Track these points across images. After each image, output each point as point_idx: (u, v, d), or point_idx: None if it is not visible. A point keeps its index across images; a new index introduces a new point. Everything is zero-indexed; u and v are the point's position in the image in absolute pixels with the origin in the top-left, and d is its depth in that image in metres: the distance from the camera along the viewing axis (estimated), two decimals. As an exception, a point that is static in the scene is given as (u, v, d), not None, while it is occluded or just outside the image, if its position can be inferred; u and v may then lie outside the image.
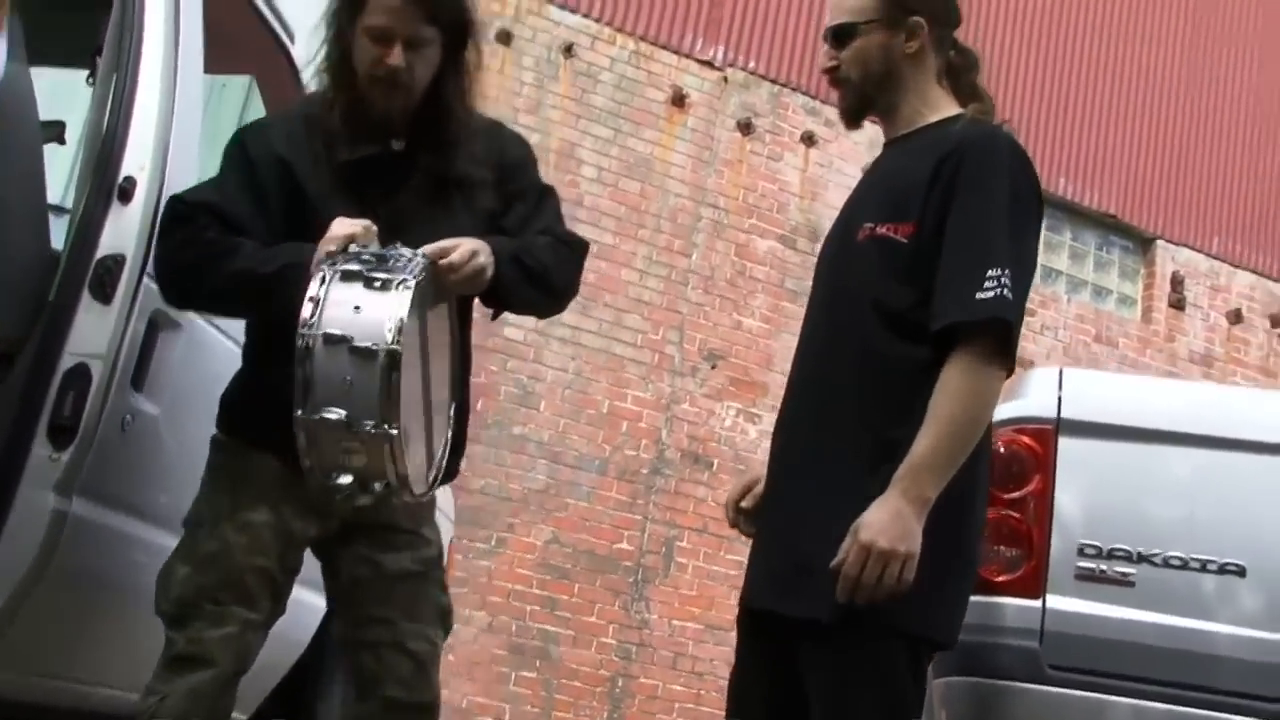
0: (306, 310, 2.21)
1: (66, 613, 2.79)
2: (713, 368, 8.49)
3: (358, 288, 2.23)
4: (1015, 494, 2.81)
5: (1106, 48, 10.20)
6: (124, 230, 2.76)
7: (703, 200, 8.62)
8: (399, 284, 2.23)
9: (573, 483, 7.99)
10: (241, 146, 2.59)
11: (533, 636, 7.67)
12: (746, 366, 8.57)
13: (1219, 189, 10.35)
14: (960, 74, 2.38)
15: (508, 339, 7.90)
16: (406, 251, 2.31)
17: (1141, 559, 2.78)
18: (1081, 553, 2.80)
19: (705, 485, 8.34)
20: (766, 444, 8.03)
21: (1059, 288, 9.80)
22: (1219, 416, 2.97)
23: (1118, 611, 2.76)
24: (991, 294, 2.06)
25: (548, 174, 8.14)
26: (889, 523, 2.01)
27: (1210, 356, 10.05)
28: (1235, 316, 10.14)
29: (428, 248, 2.35)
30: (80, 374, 2.68)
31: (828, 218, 8.65)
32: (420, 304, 2.28)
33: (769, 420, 8.53)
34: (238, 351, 2.77)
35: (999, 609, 2.76)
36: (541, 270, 2.56)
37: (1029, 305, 7.78)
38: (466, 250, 2.38)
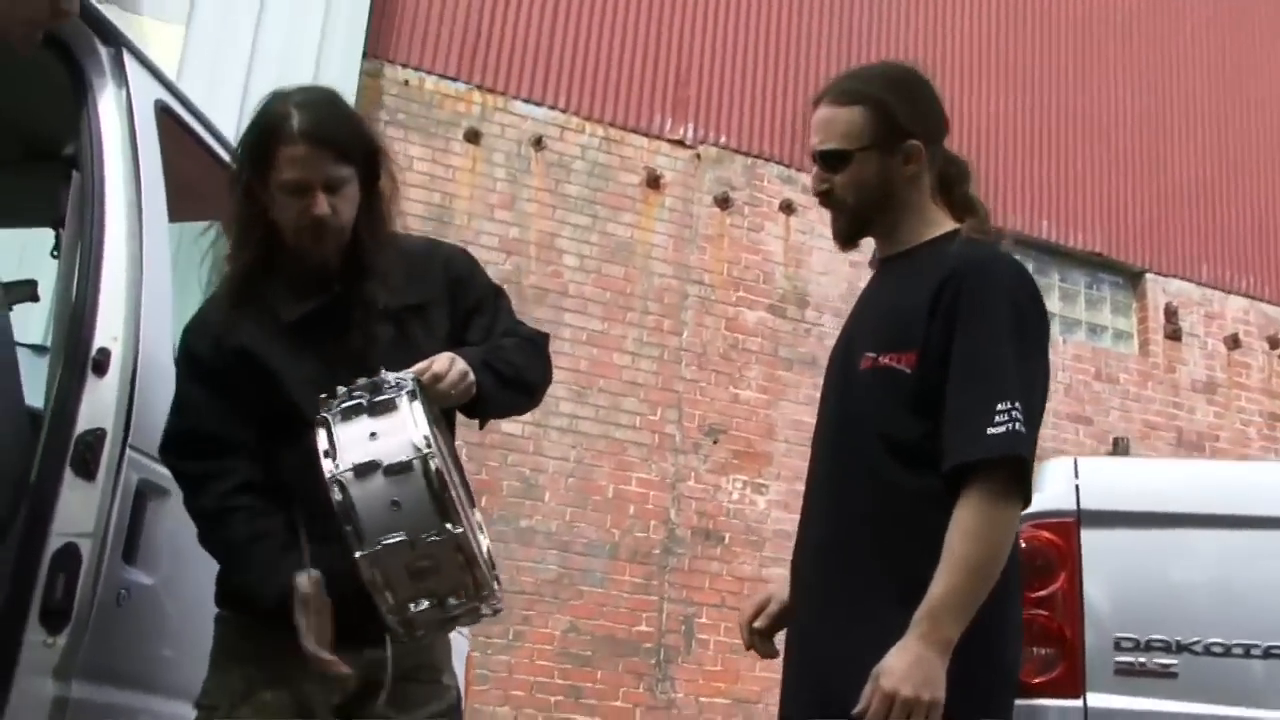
0: (326, 463, 2.18)
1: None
2: (714, 443, 8.43)
3: (364, 419, 2.22)
4: (1043, 591, 2.73)
5: (1079, 89, 10.25)
6: (101, 403, 2.72)
7: (687, 278, 8.61)
8: (405, 396, 2.22)
9: (585, 570, 7.90)
10: (187, 351, 2.58)
11: (560, 729, 7.55)
12: (748, 438, 8.51)
13: (1203, 217, 10.36)
14: (953, 185, 2.34)
15: (506, 433, 7.84)
16: (392, 375, 2.28)
17: (1181, 648, 2.70)
18: (1118, 646, 2.72)
19: (719, 560, 8.26)
20: (776, 514, 7.90)
21: (1053, 330, 9.76)
22: (1243, 495, 2.89)
23: (1163, 705, 2.67)
24: (1004, 429, 2.00)
25: (529, 266, 8.19)
26: (911, 669, 1.94)
27: (1213, 383, 10.01)
28: (1233, 341, 10.10)
29: (408, 370, 2.32)
30: (69, 554, 2.63)
31: (814, 283, 8.68)
32: (428, 415, 2.25)
33: (776, 490, 8.50)
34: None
35: (1039, 712, 2.66)
36: (514, 373, 2.53)
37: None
38: (445, 360, 2.36)
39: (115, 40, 3.00)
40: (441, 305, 2.59)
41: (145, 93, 3.08)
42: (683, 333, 8.55)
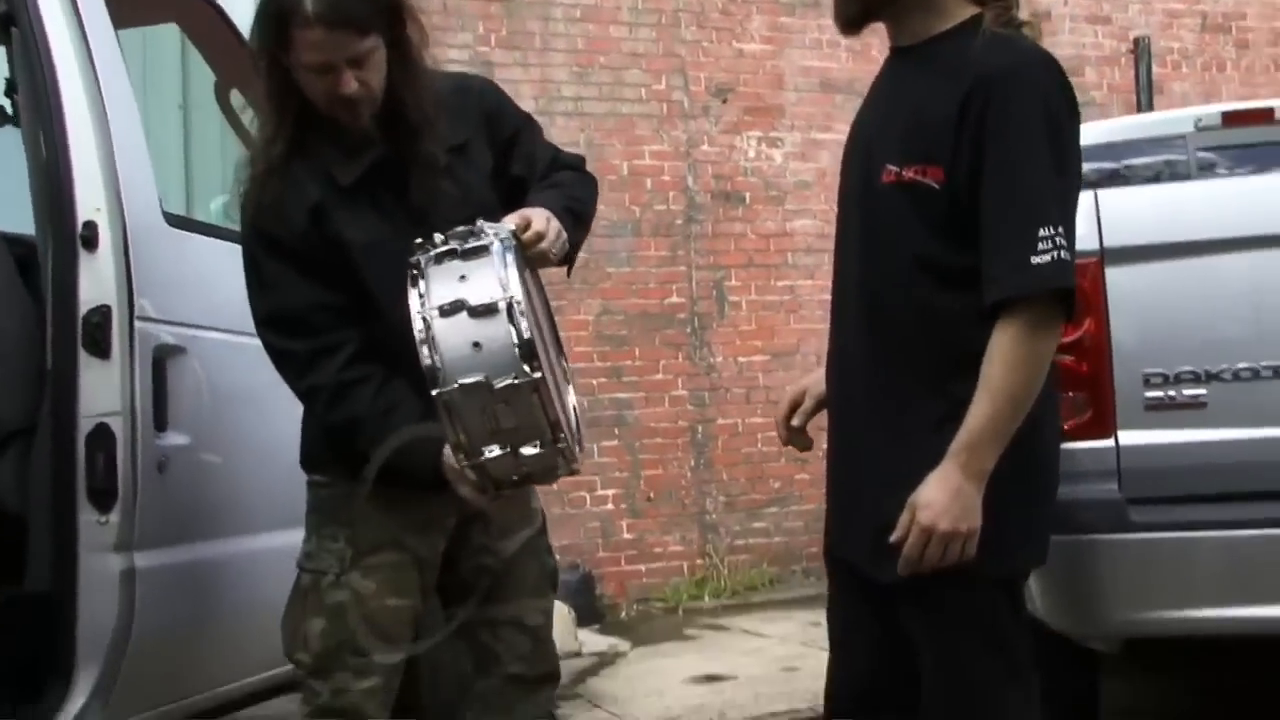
0: (414, 300, 2.16)
1: (171, 647, 2.84)
2: (724, 102, 8.17)
3: (455, 263, 2.20)
4: (1069, 337, 2.64)
5: None
6: (100, 278, 2.68)
7: (674, -68, 8.11)
8: (499, 243, 2.20)
9: (609, 251, 7.86)
10: (260, 232, 2.42)
11: (606, 407, 7.74)
12: (758, 93, 8.23)
13: None
14: None
15: (512, 127, 7.65)
16: (489, 224, 2.25)
17: (1211, 377, 2.68)
18: (1147, 382, 2.70)
19: (741, 220, 8.19)
20: (794, 166, 7.77)
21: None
22: (1273, 211, 2.77)
23: (1194, 435, 2.67)
24: (1048, 257, 1.91)
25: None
26: (949, 502, 1.93)
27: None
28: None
29: (507, 221, 2.28)
30: (102, 434, 2.66)
31: (808, -83, 8.13)
32: (519, 265, 2.22)
33: (791, 142, 8.34)
34: (247, 344, 2.65)
35: (1072, 455, 2.62)
36: (586, 210, 2.55)
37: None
38: (542, 218, 2.32)
39: None
40: (481, 140, 2.52)
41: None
42: (678, -8, 8.15)
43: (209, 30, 3.52)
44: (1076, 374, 2.70)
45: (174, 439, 2.79)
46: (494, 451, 2.16)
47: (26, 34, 2.70)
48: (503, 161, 2.55)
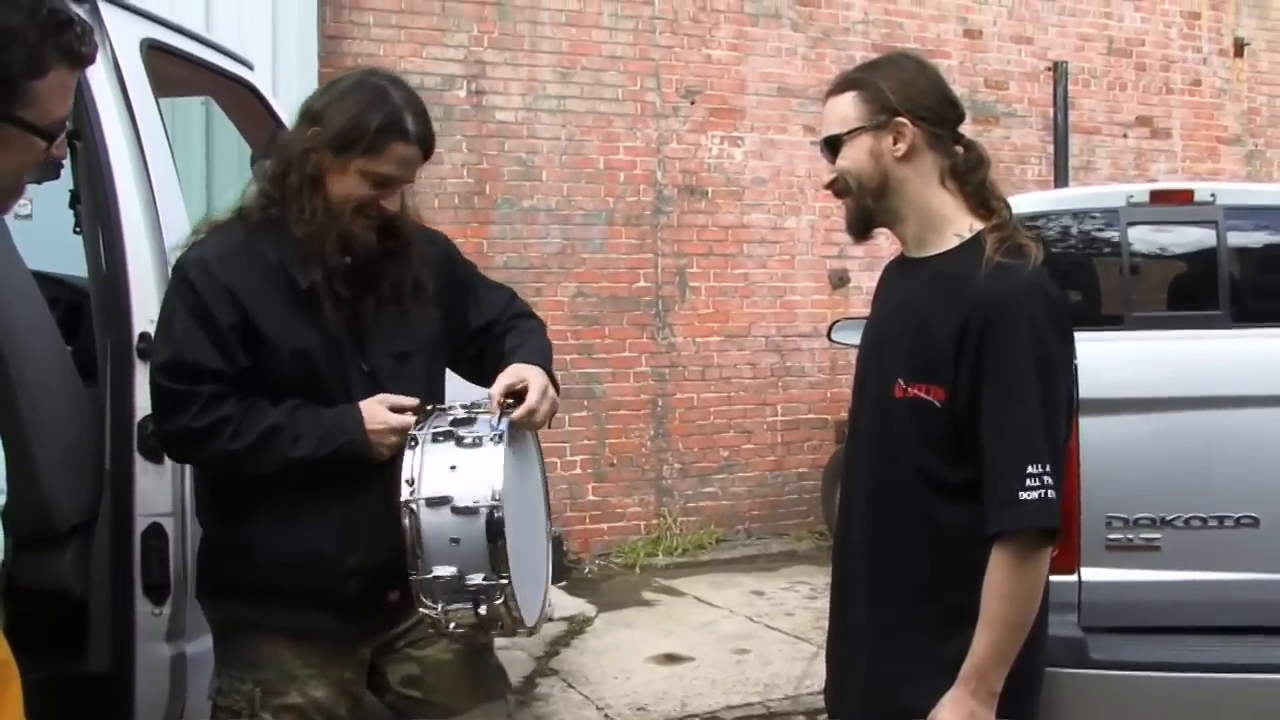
0: (405, 487, 2.07)
1: None
2: (691, 104, 8.03)
3: (450, 449, 2.10)
4: None
5: None
6: (155, 388, 2.55)
7: (653, -53, 7.87)
8: (490, 441, 2.10)
9: (584, 238, 7.76)
10: (189, 285, 2.14)
11: (577, 381, 7.67)
12: (722, 95, 8.09)
13: None
14: (966, 174, 2.05)
15: (500, 122, 7.46)
16: (487, 417, 2.15)
17: (1165, 524, 2.67)
18: (1109, 525, 2.68)
19: (704, 213, 8.10)
20: (752, 164, 7.73)
21: (1006, -46, 9.07)
22: (1232, 375, 2.74)
23: (1147, 575, 2.67)
24: (1035, 495, 1.86)
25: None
26: None
27: (1150, -10, 9.41)
28: (1176, -53, 9.38)
29: (498, 389, 2.17)
30: (156, 533, 2.58)
31: (777, -65, 7.90)
32: (509, 449, 2.12)
33: (750, 142, 8.23)
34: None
35: None
36: (551, 366, 2.38)
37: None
38: (538, 388, 2.19)
39: (86, -7, 2.56)
40: (436, 283, 2.37)
41: (128, 37, 2.68)
42: (654, 2, 7.93)
43: (243, 105, 3.35)
44: None
45: (222, 531, 2.69)
46: (464, 629, 2.13)
47: (90, 148, 2.55)
48: (458, 303, 2.40)
